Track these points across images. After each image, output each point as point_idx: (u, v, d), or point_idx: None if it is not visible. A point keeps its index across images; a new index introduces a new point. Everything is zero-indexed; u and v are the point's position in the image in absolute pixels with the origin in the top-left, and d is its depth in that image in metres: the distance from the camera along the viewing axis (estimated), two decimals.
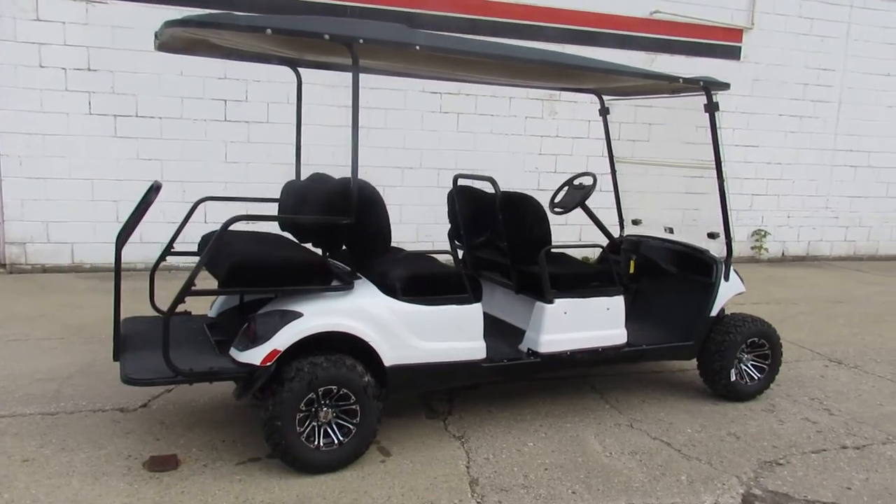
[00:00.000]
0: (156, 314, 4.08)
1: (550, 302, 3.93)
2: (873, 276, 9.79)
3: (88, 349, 5.07)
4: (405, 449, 3.68)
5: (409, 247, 8.13)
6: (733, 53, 9.73)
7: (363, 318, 3.41)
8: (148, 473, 3.32)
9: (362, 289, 3.49)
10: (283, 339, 3.24)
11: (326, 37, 3.15)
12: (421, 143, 8.54)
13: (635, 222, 5.32)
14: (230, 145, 7.90)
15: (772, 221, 10.51)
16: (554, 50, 4.22)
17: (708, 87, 4.19)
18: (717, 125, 4.33)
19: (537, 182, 9.09)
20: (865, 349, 5.99)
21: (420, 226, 8.69)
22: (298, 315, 3.29)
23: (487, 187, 4.55)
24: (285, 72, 7.74)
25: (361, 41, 3.21)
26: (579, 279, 4.05)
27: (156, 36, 3.44)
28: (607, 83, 4.56)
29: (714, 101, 4.25)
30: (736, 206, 10.13)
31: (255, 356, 3.22)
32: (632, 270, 4.69)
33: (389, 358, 3.47)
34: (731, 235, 4.50)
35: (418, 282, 3.58)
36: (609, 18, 9.14)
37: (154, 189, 3.50)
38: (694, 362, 4.59)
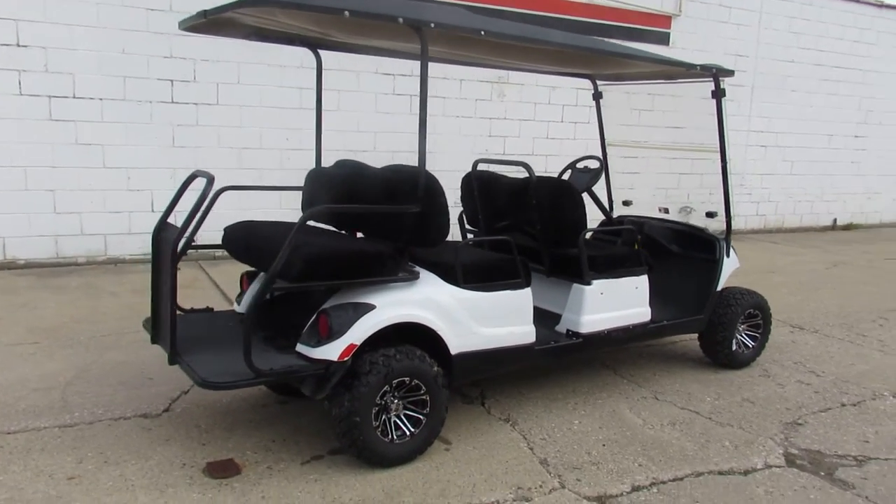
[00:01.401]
0: (181, 312, 3.81)
1: (589, 283, 4.04)
2: (787, 247, 10.67)
3: (74, 353, 4.67)
4: (462, 436, 3.68)
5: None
6: (663, 39, 10.21)
7: (431, 308, 3.37)
8: (214, 481, 3.14)
9: (426, 278, 3.44)
10: (360, 332, 3.14)
11: (400, 20, 3.04)
12: (375, 126, 8.40)
13: (626, 203, 5.52)
14: (178, 129, 7.42)
15: (696, 198, 11.18)
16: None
17: (717, 74, 4.41)
18: (724, 111, 4.57)
19: (487, 164, 9.16)
20: (816, 314, 6.56)
21: None
22: (371, 307, 3.21)
23: (502, 172, 4.59)
24: (234, 51, 7.45)
25: (433, 25, 3.13)
26: (613, 260, 4.18)
27: (203, 14, 3.19)
28: (624, 69, 4.67)
29: (722, 87, 4.48)
30: (665, 184, 10.71)
31: (331, 351, 3.11)
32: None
33: (455, 346, 3.45)
34: (732, 214, 4.78)
35: (478, 269, 3.57)
36: (551, 3, 9.31)
37: (203, 181, 3.27)
38: (689, 335, 4.86)
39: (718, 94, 4.47)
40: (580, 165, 5.13)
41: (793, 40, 11.32)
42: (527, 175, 4.04)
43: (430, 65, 8.47)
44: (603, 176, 5.73)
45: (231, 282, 6.76)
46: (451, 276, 3.50)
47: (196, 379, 2.96)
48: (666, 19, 10.14)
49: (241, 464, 3.31)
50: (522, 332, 3.72)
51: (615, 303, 4.15)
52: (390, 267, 3.29)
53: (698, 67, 4.27)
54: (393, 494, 3.08)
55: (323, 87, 7.94)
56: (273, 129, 7.85)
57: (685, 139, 10.64)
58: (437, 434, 3.43)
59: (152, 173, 7.38)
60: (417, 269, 3.52)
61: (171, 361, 3.16)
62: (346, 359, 3.11)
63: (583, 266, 4.02)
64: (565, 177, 5.08)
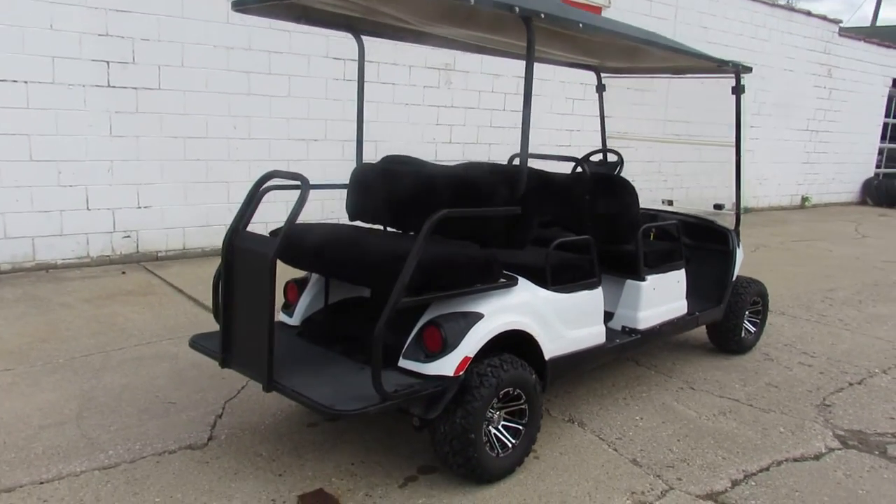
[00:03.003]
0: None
1: (643, 279, 4.03)
2: None
3: (63, 379, 4.06)
4: (539, 442, 3.56)
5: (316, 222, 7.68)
6: None
7: (529, 313, 3.22)
8: None
9: (520, 282, 3.27)
10: (473, 343, 2.94)
11: (516, 10, 2.84)
12: (325, 113, 7.96)
13: (668, 203, 5.57)
14: (116, 116, 6.64)
15: (681, 188, 11.63)
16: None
17: (738, 70, 4.53)
18: (741, 106, 4.71)
19: (435, 153, 9.00)
20: (778, 298, 6.98)
21: (325, 202, 8.16)
22: (480, 316, 3.01)
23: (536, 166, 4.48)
24: (177, 29, 6.83)
25: (543, 16, 2.95)
26: (661, 255, 4.20)
27: None
28: (645, 63, 4.67)
29: (742, 83, 4.61)
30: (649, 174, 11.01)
31: (446, 366, 2.89)
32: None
33: (548, 350, 3.33)
34: (741, 207, 4.96)
35: (562, 269, 3.45)
36: None
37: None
38: None
39: (738, 89, 4.59)
40: (594, 159, 5.11)
41: (702, 34, 11.97)
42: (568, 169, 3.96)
43: (380, 49, 8.17)
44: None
45: (193, 285, 6.18)
46: (540, 278, 3.36)
47: (319, 407, 2.64)
48: (597, 9, 10.38)
49: (335, 494, 3.01)
50: (598, 332, 3.66)
51: (664, 297, 4.18)
52: (496, 272, 3.10)
53: (730, 64, 4.37)
54: None
55: (270, 71, 7.44)
56: (220, 116, 7.23)
57: (669, 130, 11.02)
58: (533, 443, 3.30)
59: (87, 167, 6.57)
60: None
61: (269, 389, 2.80)
62: (461, 373, 2.90)
63: (639, 262, 4.01)
64: (578, 170, 5.04)
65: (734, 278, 4.84)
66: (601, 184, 3.99)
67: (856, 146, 16.53)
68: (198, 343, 3.28)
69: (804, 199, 15.45)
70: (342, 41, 7.86)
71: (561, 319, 3.40)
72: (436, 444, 3.02)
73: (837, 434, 3.88)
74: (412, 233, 3.70)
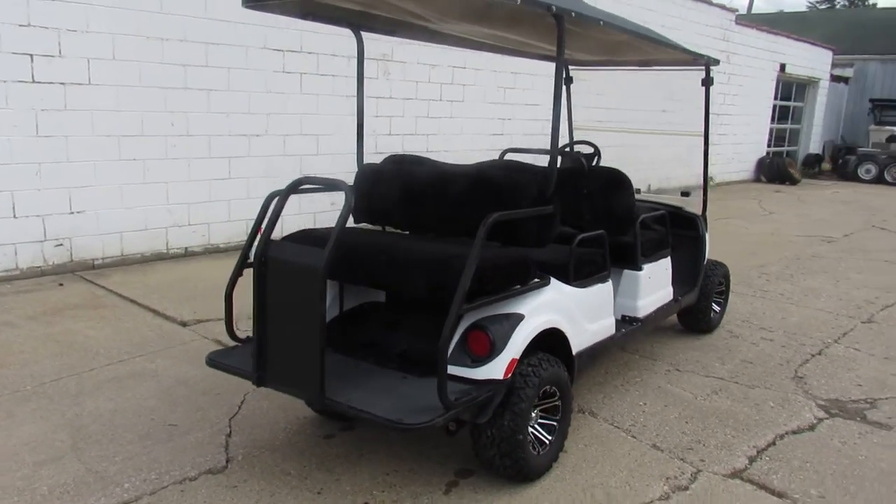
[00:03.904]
0: (238, 343, 3.24)
1: (640, 269, 4.14)
2: None
3: (41, 408, 3.72)
4: None
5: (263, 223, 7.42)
6: None
7: (559, 310, 3.24)
8: None
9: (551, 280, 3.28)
10: (517, 345, 2.93)
11: (553, 8, 2.82)
12: (266, 107, 7.64)
13: (684, 194, 5.69)
14: (42, 114, 6.09)
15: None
16: None
17: (708, 63, 4.71)
18: (710, 97, 4.91)
19: (375, 145, 8.84)
20: None
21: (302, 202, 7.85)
22: (521, 317, 3.00)
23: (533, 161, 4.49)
24: (108, 19, 6.43)
25: (573, 14, 2.95)
26: (654, 244, 4.32)
27: None
28: (631, 56, 4.73)
29: (711, 76, 4.79)
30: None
31: (496, 370, 2.86)
32: None
33: (575, 345, 3.36)
34: (707, 193, 5.19)
35: (581, 264, 3.49)
36: None
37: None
38: None
39: (708, 81, 4.78)
40: (569, 150, 5.18)
41: None
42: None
43: (318, 39, 7.92)
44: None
45: (144, 294, 5.80)
46: (562, 274, 3.38)
47: (386, 423, 2.55)
48: None
49: None
50: (610, 323, 3.74)
51: (657, 284, 4.32)
52: (532, 272, 3.09)
53: (706, 58, 4.54)
54: None
55: (207, 63, 7.08)
56: (156, 112, 6.79)
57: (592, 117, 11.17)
58: (565, 439, 3.34)
59: (12, 170, 5.99)
60: None
61: (320, 405, 2.68)
62: (510, 376, 2.89)
63: (637, 252, 4.11)
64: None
65: (705, 262, 5.07)
66: (598, 178, 4.05)
67: (750, 127, 17.66)
68: (218, 361, 3.09)
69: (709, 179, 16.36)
70: (282, 30, 7.56)
71: (582, 314, 3.45)
72: (480, 449, 2.99)
73: (819, 404, 4.16)
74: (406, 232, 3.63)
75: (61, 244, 6.41)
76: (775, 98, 18.73)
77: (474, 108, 10.01)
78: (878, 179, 19.02)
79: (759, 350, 5.06)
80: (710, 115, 4.97)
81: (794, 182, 17.76)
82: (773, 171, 18.07)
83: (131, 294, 5.82)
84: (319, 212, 8.28)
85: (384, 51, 8.69)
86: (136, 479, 3.07)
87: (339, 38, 8.13)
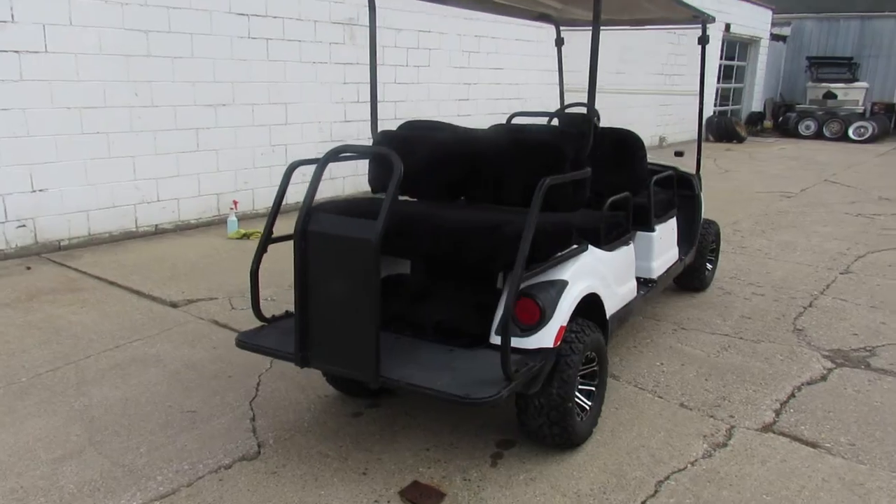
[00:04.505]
0: (265, 322, 3.09)
1: (653, 230, 4.14)
2: None
3: (43, 400, 3.49)
4: None
5: (231, 196, 7.14)
6: None
7: (596, 275, 3.20)
8: None
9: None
10: (564, 312, 2.88)
11: None
12: (232, 75, 7.28)
13: (678, 154, 5.63)
14: None
15: None
16: None
17: (705, 20, 4.69)
18: (706, 55, 4.90)
19: (343, 113, 8.59)
20: None
21: (239, 172, 7.56)
22: (565, 283, 2.94)
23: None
24: None
25: None
26: (664, 205, 4.32)
27: None
28: (628, 13, 4.65)
29: (706, 34, 4.77)
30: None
31: (546, 338, 2.81)
32: None
33: (608, 309, 3.34)
34: (701, 152, 5.22)
35: (610, 227, 3.45)
36: None
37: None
38: None
39: (704, 39, 4.76)
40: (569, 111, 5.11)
41: None
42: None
43: (283, 2, 7.57)
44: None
45: (124, 275, 5.51)
46: (592, 238, 3.33)
47: (452, 398, 2.46)
48: None
49: (433, 484, 2.87)
50: (633, 285, 3.73)
51: (667, 245, 4.33)
52: (574, 237, 3.03)
53: (703, 15, 4.50)
54: (620, 473, 2.95)
55: (170, 29, 6.71)
56: (118, 82, 6.38)
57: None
58: (602, 403, 3.33)
59: None
60: None
61: (375, 384, 2.57)
62: (559, 343, 2.84)
63: (651, 214, 4.10)
64: (555, 122, 5.03)
65: (701, 221, 5.12)
66: (612, 138, 4.00)
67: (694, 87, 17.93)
68: (250, 343, 2.93)
69: (661, 139, 16.62)
70: None
71: (613, 277, 3.42)
72: (528, 419, 2.95)
73: (824, 355, 4.28)
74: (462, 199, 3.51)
75: (24, 225, 6.01)
76: (720, 58, 19.06)
77: (440, 73, 9.81)
78: (818, 135, 19.72)
79: (753, 305, 5.17)
80: (703, 74, 4.97)
81: (740, 140, 18.21)
82: (721, 129, 18.48)
83: (108, 275, 5.52)
84: (291, 183, 7.99)
85: (350, 14, 8.39)
86: (168, 470, 2.91)
87: (305, 2, 7.80)
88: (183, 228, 7.13)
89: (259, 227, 7.16)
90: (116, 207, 6.60)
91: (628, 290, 3.64)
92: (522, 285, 2.90)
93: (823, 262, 6.44)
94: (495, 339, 2.87)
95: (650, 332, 4.58)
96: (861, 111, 20.15)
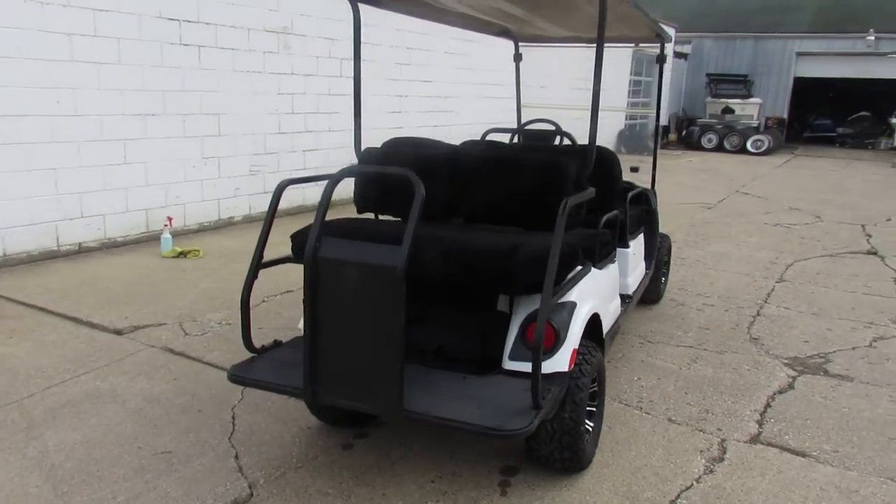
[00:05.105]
0: (255, 353, 2.88)
1: (628, 246, 4.17)
2: None
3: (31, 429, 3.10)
4: None
5: (161, 212, 6.73)
6: None
7: (597, 294, 3.17)
8: None
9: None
10: (576, 335, 2.83)
11: None
12: (162, 84, 6.86)
13: (633, 169, 5.67)
14: None
15: None
16: None
17: (664, 40, 4.80)
18: (662, 72, 5.02)
19: (278, 125, 8.28)
20: None
21: (169, 186, 7.12)
22: (574, 305, 2.89)
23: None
24: None
25: None
26: (636, 221, 4.36)
27: None
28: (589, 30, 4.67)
29: (664, 53, 4.89)
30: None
31: (561, 361, 2.74)
32: None
33: (605, 327, 3.31)
34: (656, 167, 5.34)
35: (601, 245, 3.43)
36: None
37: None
38: None
39: (662, 58, 4.88)
40: (531, 127, 5.09)
41: None
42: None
43: (216, 8, 7.21)
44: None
45: (54, 300, 5.04)
46: (589, 257, 3.31)
47: (486, 431, 2.34)
48: None
49: None
50: (619, 302, 3.74)
51: (638, 260, 4.38)
52: (580, 258, 2.98)
53: (666, 34, 4.61)
54: (631, 495, 2.92)
55: (96, 33, 6.28)
56: (38, 88, 5.87)
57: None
58: (601, 423, 3.30)
59: None
60: None
61: (398, 419, 2.42)
62: (573, 366, 2.78)
63: (626, 230, 4.13)
64: (515, 140, 5.01)
65: (658, 235, 5.24)
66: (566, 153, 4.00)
67: (611, 102, 18.60)
68: (247, 378, 2.71)
69: None
70: None
71: (606, 295, 3.41)
72: (538, 444, 2.87)
73: (784, 363, 4.45)
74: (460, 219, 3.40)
75: None
76: (630, 73, 19.86)
77: (374, 85, 9.65)
78: (719, 147, 20.87)
79: (707, 316, 5.33)
80: (660, 90, 5.10)
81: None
82: (633, 142, 19.22)
83: (35, 301, 5.04)
84: (224, 197, 7.64)
85: (284, 22, 8.12)
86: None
87: (237, 8, 7.48)
88: (109, 247, 6.63)
89: (193, 244, 6.78)
90: (35, 225, 6.05)
91: (616, 306, 3.64)
92: (531, 310, 2.84)
93: (758, 271, 6.74)
94: (509, 365, 2.78)
95: (619, 346, 4.62)
96: (756, 125, 21.48)
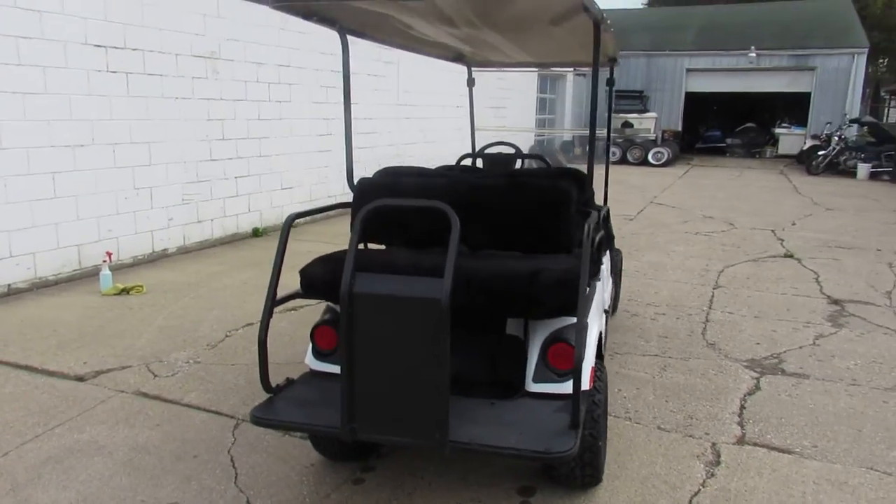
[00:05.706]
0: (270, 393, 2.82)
1: (602, 262, 4.33)
2: None
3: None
4: None
5: (94, 247, 6.42)
6: None
7: (598, 313, 3.29)
8: None
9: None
10: (591, 353, 2.93)
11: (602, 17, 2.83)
12: (90, 113, 6.51)
13: None
14: None
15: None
16: None
17: (613, 64, 5.05)
18: (612, 96, 5.26)
19: (209, 151, 8.02)
20: None
21: (101, 219, 6.75)
22: (587, 324, 2.98)
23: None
24: None
25: (609, 22, 2.98)
26: (606, 237, 4.53)
27: None
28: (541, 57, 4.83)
29: (613, 77, 5.13)
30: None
31: (582, 381, 2.82)
32: None
33: (603, 343, 3.43)
34: (608, 184, 5.58)
35: (594, 263, 3.56)
36: None
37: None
38: None
39: (611, 81, 5.11)
40: (490, 151, 5.19)
41: None
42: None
43: (143, 35, 6.94)
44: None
45: (1, 346, 4.67)
46: (593, 276, 3.42)
47: (534, 455, 2.39)
48: None
49: None
50: (602, 320, 3.87)
51: (607, 274, 4.55)
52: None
53: (614, 60, 4.84)
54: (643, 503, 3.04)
55: (20, 62, 5.94)
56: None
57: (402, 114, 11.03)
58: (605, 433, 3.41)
59: None
60: None
61: (445, 450, 2.42)
62: (592, 385, 2.87)
63: (601, 247, 4.29)
64: (479, 163, 5.11)
65: (614, 249, 5.46)
66: (564, 176, 4.14)
67: (522, 119, 19.18)
68: (273, 420, 2.63)
69: None
70: (102, 25, 6.49)
71: (599, 312, 3.54)
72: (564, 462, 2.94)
73: (744, 366, 4.74)
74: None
75: None
76: (536, 91, 20.55)
77: (301, 108, 9.53)
78: (623, 160, 21.87)
79: (662, 325, 5.60)
80: (610, 111, 5.32)
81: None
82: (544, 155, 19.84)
83: (10, 336, 4.65)
84: (158, 229, 7.31)
85: (212, 47, 7.90)
86: None
87: (164, 33, 7.22)
88: (41, 286, 6.20)
89: (131, 279, 6.45)
90: None
91: (601, 323, 3.77)
92: (548, 331, 2.91)
93: (694, 279, 7.13)
94: (533, 388, 2.83)
95: None
96: (654, 138, 22.68)
